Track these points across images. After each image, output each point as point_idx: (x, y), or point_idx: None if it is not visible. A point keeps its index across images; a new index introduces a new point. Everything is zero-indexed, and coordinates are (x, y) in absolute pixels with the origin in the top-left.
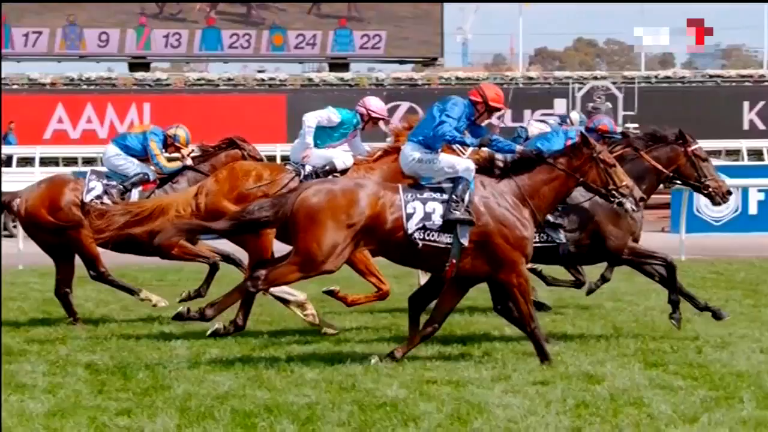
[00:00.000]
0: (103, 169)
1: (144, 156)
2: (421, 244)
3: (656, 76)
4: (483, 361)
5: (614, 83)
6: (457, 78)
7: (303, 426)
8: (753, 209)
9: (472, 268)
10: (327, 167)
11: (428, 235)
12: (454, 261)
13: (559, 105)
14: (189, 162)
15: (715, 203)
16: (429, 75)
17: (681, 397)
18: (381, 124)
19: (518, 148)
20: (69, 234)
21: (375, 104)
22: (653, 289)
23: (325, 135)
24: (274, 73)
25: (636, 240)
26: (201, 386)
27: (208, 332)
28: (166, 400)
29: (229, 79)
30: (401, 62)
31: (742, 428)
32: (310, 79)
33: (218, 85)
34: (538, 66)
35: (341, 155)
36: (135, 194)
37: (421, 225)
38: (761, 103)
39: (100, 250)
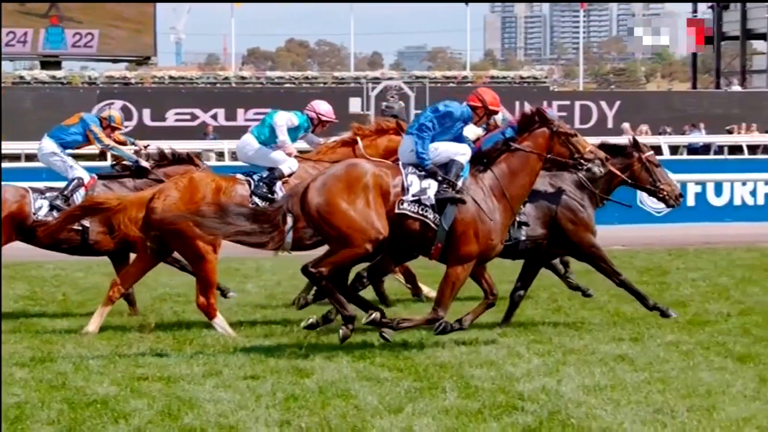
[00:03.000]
0: (41, 165)
1: (86, 143)
2: (407, 214)
3: (365, 77)
4: (194, 357)
5: (325, 83)
6: (171, 77)
7: (12, 425)
8: None
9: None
10: (276, 174)
11: (421, 210)
12: (440, 244)
13: (355, 104)
14: (144, 163)
15: (669, 206)
16: (142, 74)
17: (387, 389)
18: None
19: (485, 148)
20: None
21: (324, 108)
22: None
23: (275, 135)
24: None
25: (593, 234)
26: None
27: (303, 324)
28: None
29: None
30: (114, 61)
31: (444, 417)
32: (21, 77)
33: None
34: (251, 66)
35: (288, 160)
36: (80, 196)
37: (416, 198)
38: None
39: None
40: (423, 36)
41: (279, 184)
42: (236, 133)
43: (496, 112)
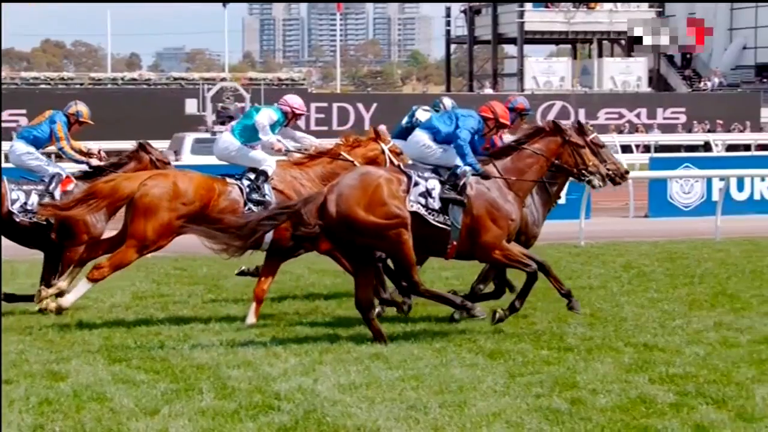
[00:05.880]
0: (11, 165)
1: (51, 141)
2: (417, 212)
3: (123, 78)
4: None
5: (81, 84)
6: None
7: None
8: None
9: (464, 248)
10: (261, 177)
11: (429, 213)
12: (455, 242)
13: (191, 105)
14: (95, 162)
15: (615, 183)
16: None
17: (143, 391)
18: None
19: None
20: None
21: (297, 102)
22: (118, 287)
23: (256, 134)
24: None
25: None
26: None
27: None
28: None
29: None
30: None
31: (200, 418)
32: None
33: None
34: (6, 66)
35: (268, 160)
36: (57, 194)
37: (422, 200)
38: None
39: None
40: (182, 37)
41: (268, 186)
42: None
43: (506, 126)
